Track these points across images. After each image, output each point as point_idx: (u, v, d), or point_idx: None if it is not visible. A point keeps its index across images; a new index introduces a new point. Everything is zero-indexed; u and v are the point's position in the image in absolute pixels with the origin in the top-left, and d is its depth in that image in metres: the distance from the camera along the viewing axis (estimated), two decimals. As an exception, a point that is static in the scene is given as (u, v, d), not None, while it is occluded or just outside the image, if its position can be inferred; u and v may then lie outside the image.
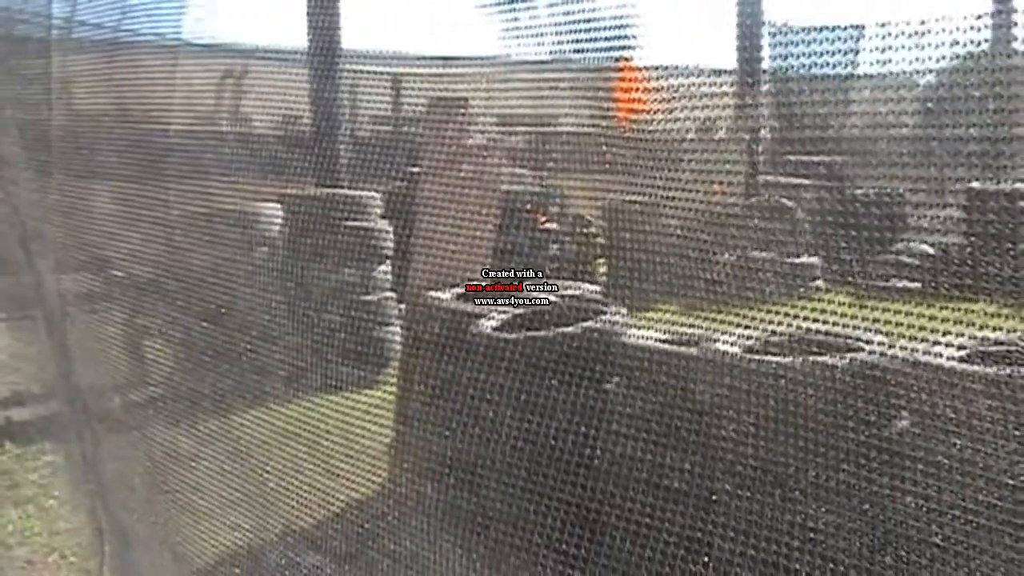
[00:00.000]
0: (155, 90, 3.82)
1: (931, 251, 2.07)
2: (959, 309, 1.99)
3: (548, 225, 3.18)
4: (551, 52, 2.28)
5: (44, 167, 4.50)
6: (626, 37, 2.17)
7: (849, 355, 2.33)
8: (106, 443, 4.33)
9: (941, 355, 2.08)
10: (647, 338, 2.66)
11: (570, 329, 3.02)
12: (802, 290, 2.16)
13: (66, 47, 4.33)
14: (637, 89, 2.24)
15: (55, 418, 4.91)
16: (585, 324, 3.01)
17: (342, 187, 3.40)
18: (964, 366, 2.14)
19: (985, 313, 2.04)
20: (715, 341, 2.40)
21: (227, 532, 3.57)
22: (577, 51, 2.27)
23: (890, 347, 2.09)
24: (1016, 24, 1.84)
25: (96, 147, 4.16)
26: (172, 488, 3.84)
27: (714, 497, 2.40)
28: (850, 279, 2.09)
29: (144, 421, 4.09)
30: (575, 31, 2.21)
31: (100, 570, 4.19)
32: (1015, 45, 1.85)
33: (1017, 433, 1.96)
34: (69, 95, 4.38)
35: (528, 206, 3.06)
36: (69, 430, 4.67)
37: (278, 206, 3.90)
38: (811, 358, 2.35)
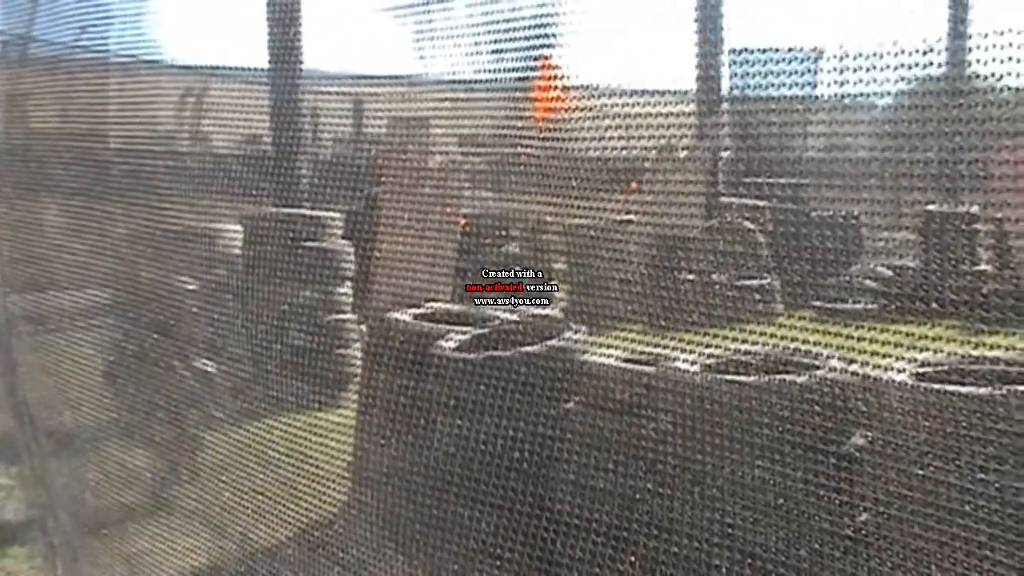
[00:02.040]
0: (110, 107, 3.71)
1: (888, 273, 2.04)
2: (914, 331, 1.96)
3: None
4: (509, 73, 2.23)
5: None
6: (586, 60, 2.13)
7: (806, 373, 2.29)
8: (55, 459, 4.21)
9: (895, 374, 2.05)
10: (607, 358, 2.61)
11: (531, 349, 2.96)
12: (761, 311, 2.12)
13: (13, 61, 4.20)
14: (596, 111, 2.19)
15: (4, 438, 4.75)
16: (547, 344, 2.94)
17: (302, 207, 3.32)
18: (918, 384, 2.11)
19: (937, 337, 2.01)
20: (673, 360, 2.36)
21: (184, 545, 3.48)
22: (536, 73, 2.22)
23: (845, 368, 2.07)
24: (969, 49, 1.82)
25: (47, 164, 4.04)
26: (125, 503, 3.73)
27: (674, 509, 2.36)
28: (808, 301, 2.05)
29: (95, 437, 3.99)
30: (533, 53, 2.16)
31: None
32: (968, 70, 1.83)
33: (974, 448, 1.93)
34: (21, 111, 4.26)
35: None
36: (18, 446, 4.53)
37: (238, 225, 3.80)
38: (768, 377, 2.31)
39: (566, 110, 2.23)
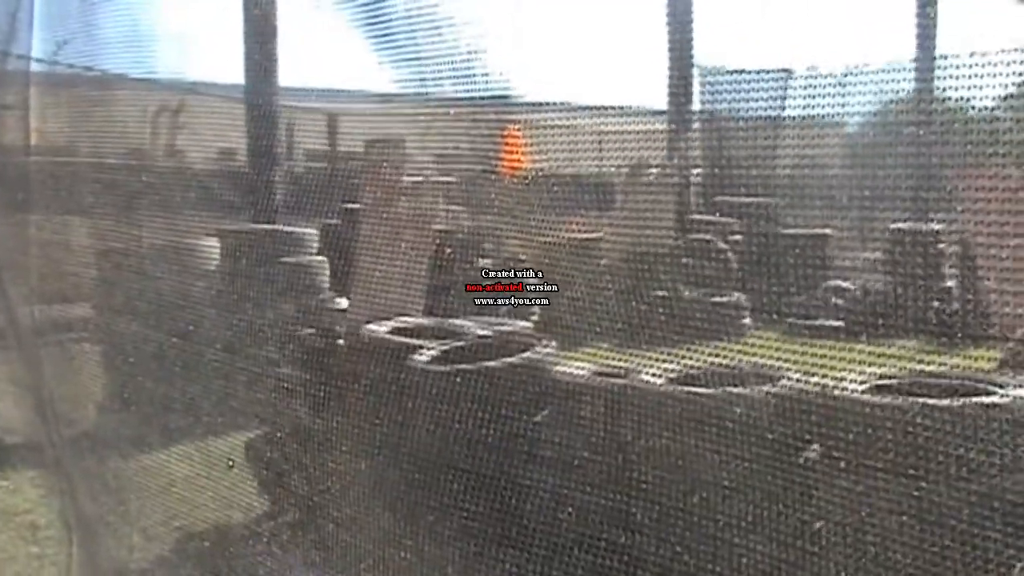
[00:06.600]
0: (98, 124, 3.56)
1: (855, 290, 1.94)
2: (881, 346, 1.87)
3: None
4: (485, 92, 2.12)
5: (16, 202, 4.26)
6: (561, 80, 2.02)
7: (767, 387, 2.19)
8: (73, 448, 4.12)
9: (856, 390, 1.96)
10: (576, 373, 2.50)
11: (496, 363, 2.84)
12: (730, 328, 2.01)
13: (39, 82, 4.05)
14: (570, 130, 2.09)
15: (38, 441, 4.65)
16: (518, 357, 2.82)
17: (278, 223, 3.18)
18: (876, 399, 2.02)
19: (907, 350, 1.92)
20: (640, 374, 2.25)
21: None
22: (512, 91, 2.11)
23: (807, 382, 1.97)
24: (937, 70, 1.74)
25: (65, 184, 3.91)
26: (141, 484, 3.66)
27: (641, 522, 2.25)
28: (777, 317, 1.95)
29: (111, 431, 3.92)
30: (508, 70, 2.05)
31: (69, 563, 3.96)
32: (936, 90, 1.74)
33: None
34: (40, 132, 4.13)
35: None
36: (42, 440, 4.42)
37: (215, 241, 3.66)
38: (732, 389, 2.21)
39: (540, 127, 2.12)
